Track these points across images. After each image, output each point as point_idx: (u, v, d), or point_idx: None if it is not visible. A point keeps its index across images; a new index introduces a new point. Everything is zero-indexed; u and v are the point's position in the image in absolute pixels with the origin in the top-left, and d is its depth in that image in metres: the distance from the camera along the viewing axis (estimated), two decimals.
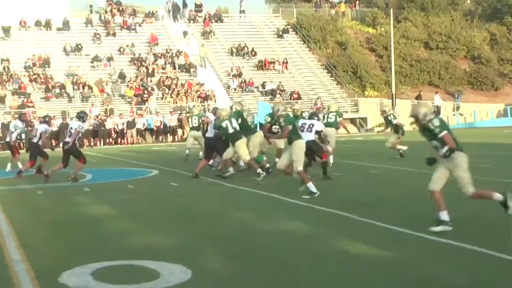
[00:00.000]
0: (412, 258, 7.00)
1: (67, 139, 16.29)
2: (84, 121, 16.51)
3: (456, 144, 8.50)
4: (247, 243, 8.06)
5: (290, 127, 12.31)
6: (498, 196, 8.34)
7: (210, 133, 16.42)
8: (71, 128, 16.46)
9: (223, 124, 15.29)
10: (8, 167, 19.85)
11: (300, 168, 12.13)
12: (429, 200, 10.38)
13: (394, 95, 47.07)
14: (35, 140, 17.98)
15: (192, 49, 48.87)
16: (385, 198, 11.70)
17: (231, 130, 15.24)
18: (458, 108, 49.16)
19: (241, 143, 15.14)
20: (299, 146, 12.24)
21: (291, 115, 15.57)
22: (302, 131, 14.56)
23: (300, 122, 15.31)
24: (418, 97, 48.88)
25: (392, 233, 8.37)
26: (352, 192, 12.64)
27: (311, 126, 14.89)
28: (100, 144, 37.93)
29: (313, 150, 14.48)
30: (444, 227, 8.28)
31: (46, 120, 19.21)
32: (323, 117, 18.57)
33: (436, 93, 49.69)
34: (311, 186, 11.92)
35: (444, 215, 8.35)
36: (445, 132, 8.42)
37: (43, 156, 18.18)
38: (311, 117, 16.09)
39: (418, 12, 56.92)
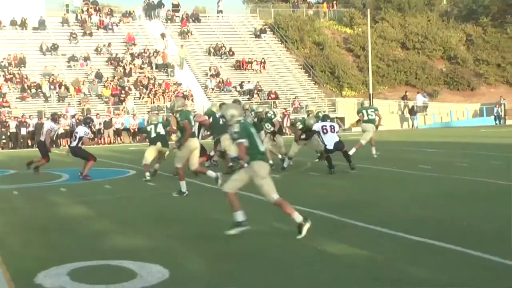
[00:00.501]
0: (392, 258, 7.00)
1: (73, 143, 16.84)
2: (89, 126, 17.10)
3: (256, 153, 8.26)
4: (226, 244, 8.01)
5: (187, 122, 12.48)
6: (298, 217, 8.06)
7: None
8: (76, 132, 16.89)
9: (148, 128, 16.67)
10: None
11: (179, 165, 12.62)
12: (409, 200, 10.44)
13: (371, 95, 47.25)
14: (42, 138, 17.82)
15: (170, 49, 48.72)
16: (365, 198, 11.71)
17: (153, 135, 16.42)
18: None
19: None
20: (189, 145, 12.57)
21: (251, 120, 15.47)
22: (325, 133, 14.82)
23: (320, 125, 15.47)
24: (404, 97, 49.23)
25: (373, 233, 8.36)
26: (332, 193, 12.64)
27: (332, 127, 15.22)
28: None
29: (340, 148, 15.21)
30: (240, 228, 8.26)
31: (54, 117, 18.80)
32: (365, 114, 19.58)
33: (418, 92, 50.02)
34: (183, 185, 12.60)
35: (239, 216, 8.31)
36: (241, 140, 8.23)
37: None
38: (324, 119, 16.06)
39: (395, 13, 57.26)
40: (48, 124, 17.10)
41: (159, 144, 16.56)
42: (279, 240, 8.08)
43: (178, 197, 12.64)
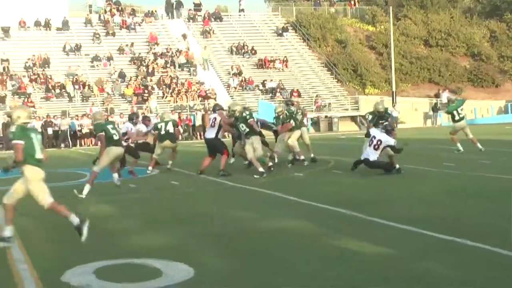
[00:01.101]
0: (410, 255, 6.98)
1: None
2: (134, 122, 17.14)
3: (30, 157, 8.11)
4: (249, 242, 8.05)
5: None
6: (74, 218, 8.04)
7: (210, 134, 16.36)
8: (122, 129, 16.90)
9: (158, 126, 17.56)
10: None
11: (96, 169, 13.24)
12: (429, 198, 10.41)
13: (394, 92, 47.08)
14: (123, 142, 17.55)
15: (192, 48, 48.83)
16: (388, 196, 11.68)
17: (162, 132, 17.31)
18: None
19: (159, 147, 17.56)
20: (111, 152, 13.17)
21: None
22: (370, 145, 14.11)
23: (374, 132, 14.45)
24: (436, 96, 49.01)
25: (395, 231, 8.34)
26: (354, 190, 12.62)
27: (379, 143, 14.06)
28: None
29: (368, 165, 14.29)
30: (2, 243, 8.11)
31: (131, 117, 18.36)
32: (456, 114, 19.44)
33: (445, 90, 49.67)
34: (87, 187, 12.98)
35: (8, 232, 8.18)
36: (16, 141, 8.07)
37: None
38: (385, 128, 14.65)
39: (417, 10, 56.91)
40: (126, 125, 17.32)
41: (167, 141, 17.59)
42: (301, 238, 8.09)
43: (201, 196, 12.71)
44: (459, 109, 19.66)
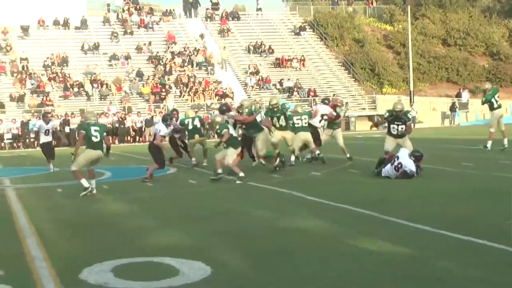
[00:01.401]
0: (430, 256, 6.93)
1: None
2: (167, 124, 16.25)
3: None
4: (267, 241, 8.03)
5: None
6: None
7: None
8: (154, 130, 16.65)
9: (186, 121, 18.50)
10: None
11: (74, 168, 13.12)
12: (446, 197, 10.36)
13: (412, 92, 46.86)
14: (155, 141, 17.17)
15: (210, 47, 48.90)
16: (404, 195, 11.62)
17: (190, 127, 18.23)
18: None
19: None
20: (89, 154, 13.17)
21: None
22: (392, 163, 13.56)
23: (401, 153, 13.74)
24: (458, 95, 48.76)
25: (412, 230, 8.29)
26: (371, 190, 12.56)
27: (399, 166, 13.54)
28: (118, 142, 38.02)
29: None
30: None
31: (165, 118, 17.69)
32: (494, 102, 19.34)
33: (464, 89, 49.36)
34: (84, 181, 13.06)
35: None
36: None
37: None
38: (414, 155, 13.79)
39: (436, 9, 56.64)
40: (159, 126, 16.77)
41: (196, 136, 18.51)
42: (318, 237, 8.06)
43: (219, 195, 12.73)
44: (495, 96, 19.61)
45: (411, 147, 14.71)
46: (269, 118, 16.77)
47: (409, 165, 13.51)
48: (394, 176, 13.59)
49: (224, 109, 16.20)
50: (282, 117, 16.86)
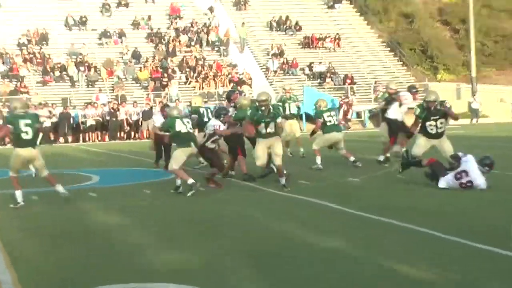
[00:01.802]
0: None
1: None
2: (224, 122, 15.66)
3: None
4: (289, 263, 7.95)
5: None
6: None
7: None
8: (206, 128, 16.06)
9: (201, 111, 18.00)
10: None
11: (12, 173, 13.11)
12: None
13: (474, 79, 46.56)
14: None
15: (222, 23, 48.86)
16: (459, 206, 11.54)
17: (205, 119, 17.38)
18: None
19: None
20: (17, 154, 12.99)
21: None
22: (455, 175, 13.31)
23: (468, 164, 13.43)
24: None
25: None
26: (413, 198, 12.51)
27: (468, 184, 13.18)
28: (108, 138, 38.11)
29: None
30: None
31: (219, 114, 17.34)
32: None
33: None
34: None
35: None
36: None
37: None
38: (485, 163, 13.40)
39: None
40: (212, 123, 16.61)
41: None
42: (349, 260, 8.02)
43: (227, 203, 12.73)
44: None
45: (451, 150, 14.39)
46: (252, 122, 14.80)
47: (479, 179, 13.12)
48: (449, 185, 13.33)
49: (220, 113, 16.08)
50: (272, 123, 14.64)
